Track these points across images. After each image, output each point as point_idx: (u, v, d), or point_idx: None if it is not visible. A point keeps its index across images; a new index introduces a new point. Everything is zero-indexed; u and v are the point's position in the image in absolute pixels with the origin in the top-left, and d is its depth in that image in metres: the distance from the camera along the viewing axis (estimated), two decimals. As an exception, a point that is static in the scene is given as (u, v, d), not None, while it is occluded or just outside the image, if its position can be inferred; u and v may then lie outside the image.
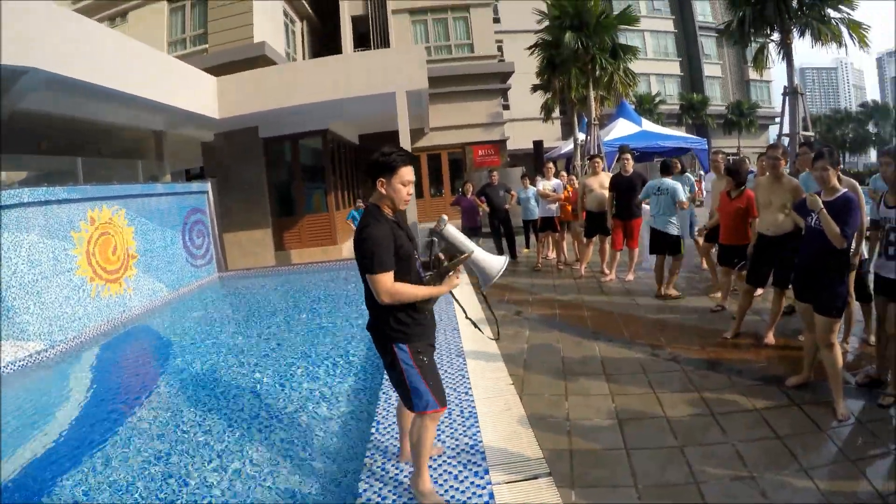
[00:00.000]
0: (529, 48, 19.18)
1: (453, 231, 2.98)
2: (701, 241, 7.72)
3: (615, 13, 17.84)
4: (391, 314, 2.80)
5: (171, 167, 13.02)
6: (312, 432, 4.32)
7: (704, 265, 8.10)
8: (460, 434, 3.66)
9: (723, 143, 42.48)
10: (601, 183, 8.41)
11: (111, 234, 8.87)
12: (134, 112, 10.80)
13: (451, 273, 2.89)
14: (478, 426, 3.74)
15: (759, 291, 6.08)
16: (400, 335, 2.82)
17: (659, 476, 3.13)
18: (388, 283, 2.66)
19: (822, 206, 3.70)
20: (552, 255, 10.48)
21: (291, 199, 15.82)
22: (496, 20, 26.04)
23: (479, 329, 3.44)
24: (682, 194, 7.18)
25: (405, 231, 2.88)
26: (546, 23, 18.15)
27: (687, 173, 8.58)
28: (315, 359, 6.16)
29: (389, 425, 3.81)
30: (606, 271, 8.48)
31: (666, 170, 7.48)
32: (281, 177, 15.80)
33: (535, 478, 3.09)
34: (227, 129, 14.08)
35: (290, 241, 15.65)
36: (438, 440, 3.59)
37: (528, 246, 11.70)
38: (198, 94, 11.82)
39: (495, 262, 3.07)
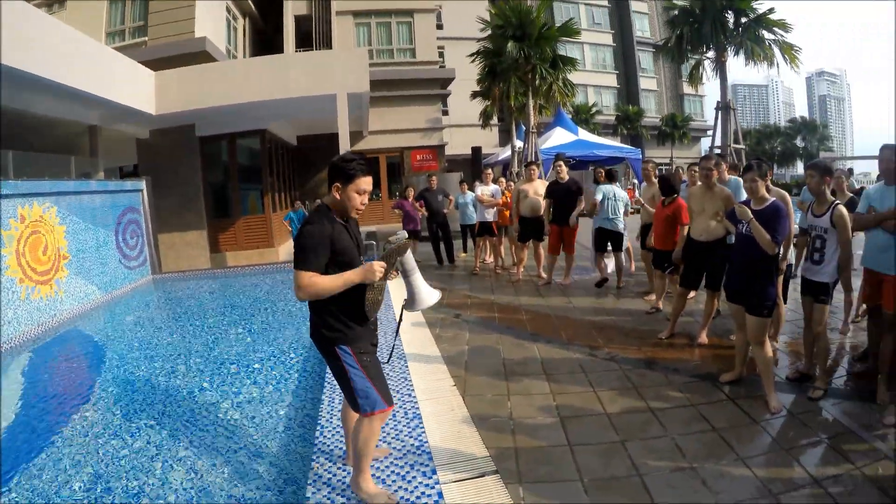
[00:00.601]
0: (471, 55, 19.53)
1: (410, 257, 2.98)
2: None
3: (557, 25, 18.50)
4: (333, 317, 2.83)
5: (105, 164, 12.61)
6: (253, 437, 4.23)
7: (633, 268, 8.62)
8: (405, 435, 3.75)
9: (656, 154, 44.40)
10: (535, 189, 8.71)
11: (42, 232, 8.52)
12: (69, 105, 10.46)
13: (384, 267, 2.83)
14: (423, 427, 3.85)
15: (692, 294, 6.49)
16: (341, 337, 2.84)
17: (603, 470, 3.30)
18: (304, 280, 2.65)
19: (752, 216, 3.99)
20: (490, 259, 10.76)
21: (227, 200, 15.58)
22: (439, 26, 26.26)
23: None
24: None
25: (352, 235, 2.91)
26: (489, 31, 18.54)
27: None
28: (253, 362, 6.11)
29: (334, 428, 3.84)
30: (543, 275, 8.81)
31: (612, 178, 8.58)
32: (217, 177, 15.55)
33: (483, 475, 3.22)
34: (163, 126, 13.74)
35: (225, 243, 15.40)
36: (384, 441, 3.64)
37: (465, 250, 11.94)
38: (135, 88, 11.50)
39: (430, 295, 3.05)
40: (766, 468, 3.24)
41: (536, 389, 4.59)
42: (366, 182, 2.84)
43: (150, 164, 14.37)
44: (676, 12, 22.70)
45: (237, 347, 6.89)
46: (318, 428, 3.94)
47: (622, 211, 8.09)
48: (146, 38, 15.33)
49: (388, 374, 4.81)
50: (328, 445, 3.66)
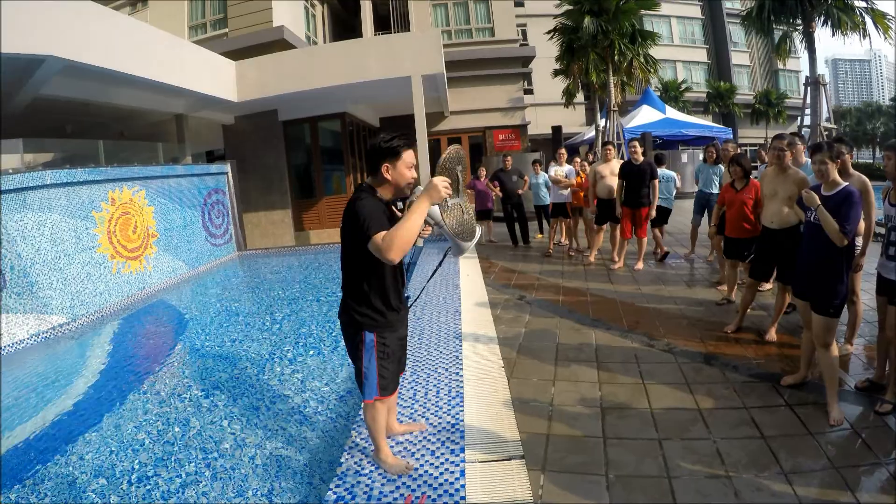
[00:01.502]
0: (548, 32, 19.02)
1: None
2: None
3: None
4: (366, 302, 2.87)
5: (193, 149, 13.25)
6: (310, 405, 4.57)
7: (711, 257, 8.17)
8: (444, 412, 3.79)
9: (750, 133, 41.63)
10: (612, 170, 8.41)
11: (131, 213, 9.14)
12: (154, 96, 11.04)
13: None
14: (462, 406, 3.86)
15: (766, 286, 6.07)
16: (370, 323, 2.88)
17: (632, 468, 3.13)
18: (384, 241, 2.54)
19: (820, 202, 3.59)
20: (564, 241, 10.52)
21: (311, 181, 16.00)
22: (519, 3, 25.78)
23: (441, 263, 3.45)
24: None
25: (392, 217, 2.88)
26: (565, 7, 17.95)
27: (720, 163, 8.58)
28: (324, 333, 6.39)
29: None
30: (616, 259, 8.52)
31: (660, 161, 9.13)
32: (300, 159, 15.99)
33: (509, 459, 3.18)
34: (247, 112, 14.32)
35: (309, 222, 15.87)
36: (423, 417, 3.75)
37: (541, 231, 11.74)
38: (217, 78, 12.01)
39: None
40: (810, 487, 2.88)
41: (584, 377, 4.45)
42: (411, 155, 2.85)
43: (237, 148, 15.07)
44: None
45: (311, 319, 7.22)
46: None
47: (672, 191, 9.06)
48: (226, 30, 16.03)
49: (441, 353, 4.94)
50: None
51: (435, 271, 3.55)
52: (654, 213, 8.15)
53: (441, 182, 2.60)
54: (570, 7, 17.41)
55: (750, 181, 5.80)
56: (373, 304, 2.88)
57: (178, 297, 9.36)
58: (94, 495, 3.52)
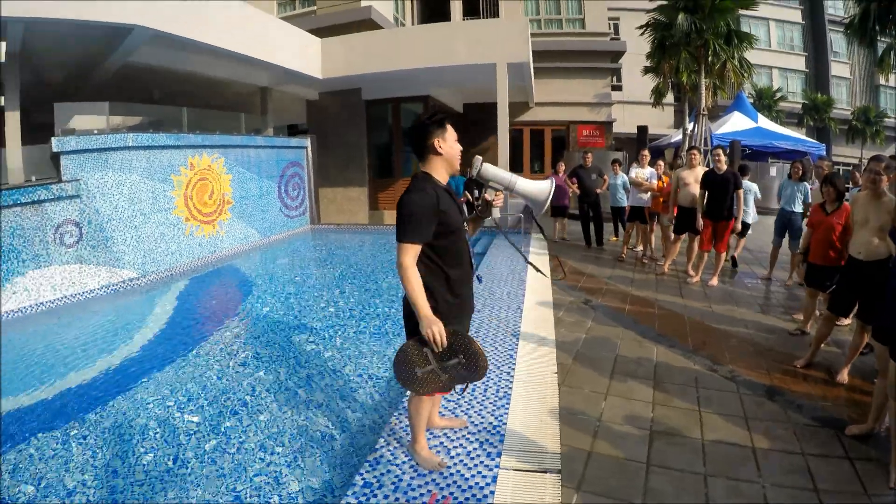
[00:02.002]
0: (640, 27, 18.23)
1: (491, 169, 2.90)
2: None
3: None
4: (428, 290, 2.66)
5: (275, 122, 13.57)
6: (357, 385, 4.66)
7: (790, 281, 7.61)
8: (488, 412, 3.67)
9: (845, 152, 38.57)
10: (697, 178, 7.92)
11: (209, 179, 9.43)
12: (240, 68, 11.33)
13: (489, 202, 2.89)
14: (507, 408, 3.72)
15: (844, 321, 5.53)
16: (440, 313, 2.67)
17: (670, 500, 2.91)
18: (408, 258, 2.54)
19: None
20: (639, 247, 10.09)
21: (390, 162, 16.11)
22: (613, -5, 24.98)
23: (539, 270, 3.21)
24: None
25: (456, 203, 2.80)
26: (659, 2, 17.14)
27: (806, 181, 8.00)
28: (387, 319, 6.40)
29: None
30: (691, 273, 8.06)
31: (744, 172, 8.94)
32: (381, 139, 16.10)
33: (544, 472, 3.02)
34: (331, 88, 14.51)
35: (385, 202, 15.99)
36: (465, 414, 3.65)
37: (616, 234, 11.29)
38: (302, 55, 12.22)
39: (541, 186, 2.93)
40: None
41: (638, 395, 4.19)
42: (453, 130, 2.78)
43: (319, 124, 15.32)
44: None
45: (374, 298, 7.31)
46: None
47: (750, 203, 8.87)
48: (314, 8, 16.31)
49: (496, 349, 4.83)
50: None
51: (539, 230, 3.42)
52: (738, 227, 7.64)
53: (439, 333, 2.51)
54: (664, 2, 16.56)
55: (842, 205, 5.28)
56: (436, 292, 2.71)
57: (247, 263, 9.63)
58: (137, 440, 3.75)
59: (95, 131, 7.65)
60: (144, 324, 6.44)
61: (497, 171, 2.89)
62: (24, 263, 6.89)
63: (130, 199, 7.88)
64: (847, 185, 5.75)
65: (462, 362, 2.62)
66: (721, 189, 7.40)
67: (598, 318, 6.07)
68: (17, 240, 6.81)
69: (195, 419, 4.10)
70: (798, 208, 7.82)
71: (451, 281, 2.73)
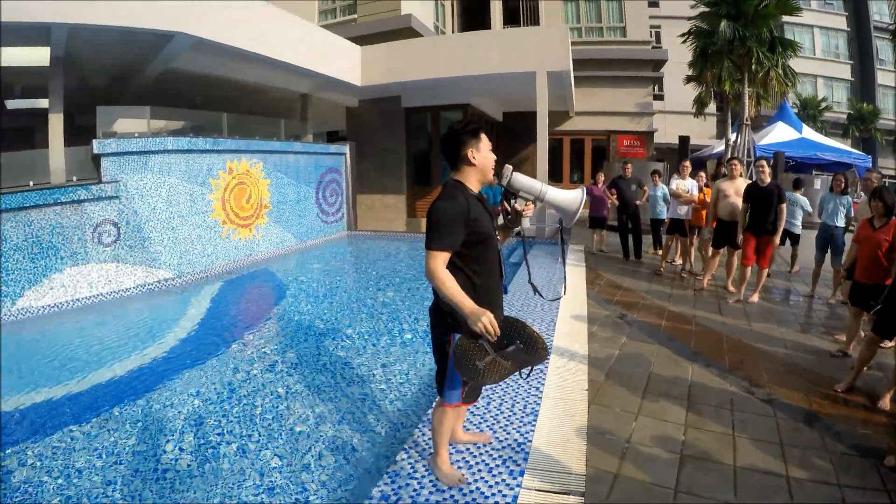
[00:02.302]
0: (682, 35, 17.82)
1: (520, 178, 2.83)
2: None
3: (775, 1, 15.89)
4: None
5: (315, 128, 13.72)
6: (383, 394, 4.62)
7: (833, 299, 7.29)
8: (514, 429, 3.57)
9: (890, 164, 37.05)
10: (737, 190, 7.64)
11: (247, 184, 9.56)
12: (280, 75, 11.47)
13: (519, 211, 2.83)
14: (533, 425, 3.62)
15: (889, 344, 5.24)
16: (464, 325, 2.58)
17: None
18: (437, 263, 2.50)
19: None
20: (678, 260, 9.81)
21: (428, 170, 16.08)
22: (654, 4, 24.61)
23: (539, 294, 3.08)
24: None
25: (488, 211, 2.73)
26: (701, 9, 16.71)
27: (848, 194, 7.71)
28: (418, 328, 6.35)
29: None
30: (731, 289, 7.79)
31: (798, 186, 9.29)
32: (420, 147, 16.11)
33: (567, 493, 2.91)
34: (371, 96, 14.61)
35: (422, 210, 15.96)
36: (490, 429, 3.56)
37: (655, 247, 10.99)
38: (342, 62, 12.33)
39: (572, 196, 2.86)
40: None
41: (671, 416, 4.01)
42: (487, 139, 2.74)
43: (358, 131, 15.43)
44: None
45: (407, 307, 7.28)
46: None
47: (800, 215, 9.11)
48: (355, 16, 16.44)
49: None
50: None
51: (563, 250, 3.32)
52: (777, 241, 7.34)
53: (489, 324, 2.39)
54: (707, 9, 16.14)
55: (891, 220, 5.04)
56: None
57: (283, 267, 9.71)
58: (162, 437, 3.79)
59: (136, 134, 7.85)
60: (176, 324, 6.53)
61: (527, 181, 2.82)
62: (62, 260, 7.10)
63: (168, 202, 8.05)
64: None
65: (521, 347, 2.59)
66: (765, 202, 7.12)
67: (633, 334, 5.91)
68: (56, 237, 7.03)
69: (217, 422, 4.12)
70: (840, 223, 7.60)
71: (478, 289, 2.65)
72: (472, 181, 2.71)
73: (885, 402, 4.22)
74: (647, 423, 3.86)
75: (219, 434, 3.92)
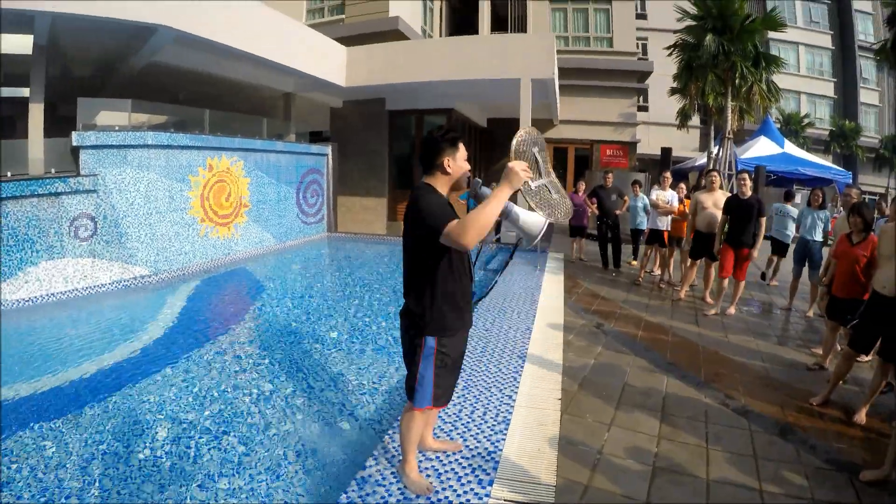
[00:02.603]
0: (668, 48, 17.95)
1: (488, 192, 2.73)
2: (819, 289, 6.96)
3: (761, 17, 16.12)
4: (428, 304, 2.70)
5: (298, 128, 13.61)
6: (355, 399, 4.56)
7: (810, 312, 7.39)
8: (484, 437, 3.56)
9: (872, 181, 37.67)
10: (715, 202, 7.72)
11: (227, 181, 9.46)
12: (264, 73, 11.41)
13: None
14: (505, 434, 3.60)
15: (865, 358, 5.31)
16: (433, 327, 2.72)
17: None
18: (455, 228, 2.40)
19: None
20: (657, 271, 9.88)
21: (411, 173, 16.05)
22: (642, 16, 24.80)
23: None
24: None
25: (457, 217, 2.70)
26: (687, 22, 16.85)
27: (825, 209, 7.84)
28: (391, 332, 6.29)
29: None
30: (709, 300, 7.85)
31: (789, 198, 9.22)
32: (403, 149, 16.09)
33: (537, 504, 2.89)
34: (355, 97, 14.57)
35: (402, 214, 15.92)
36: (461, 437, 3.54)
37: (635, 257, 11.03)
38: (326, 62, 12.28)
39: (537, 220, 2.85)
40: None
41: (644, 427, 4.01)
42: (464, 148, 2.78)
43: (342, 132, 15.38)
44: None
45: (382, 311, 7.21)
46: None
47: (791, 227, 9.12)
48: (343, 17, 16.38)
49: (500, 371, 4.72)
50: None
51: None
52: (755, 255, 7.40)
53: (519, 165, 2.46)
54: (693, 23, 16.28)
55: (869, 236, 5.11)
56: (436, 305, 2.71)
57: (260, 267, 9.63)
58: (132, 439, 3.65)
59: (117, 128, 7.72)
60: (150, 322, 6.43)
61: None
62: (37, 254, 6.96)
63: (147, 197, 7.94)
64: (874, 216, 5.55)
65: (552, 181, 2.79)
66: (745, 215, 7.18)
67: (609, 344, 5.91)
68: (32, 230, 6.89)
69: (184, 423, 4.06)
70: (818, 237, 7.71)
71: (447, 293, 2.71)
72: (443, 187, 2.75)
73: (861, 416, 4.26)
74: (619, 434, 3.85)
75: (184, 436, 3.85)
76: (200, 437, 3.83)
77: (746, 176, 7.40)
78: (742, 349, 6.00)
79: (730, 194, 7.59)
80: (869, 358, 5.34)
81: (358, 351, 5.67)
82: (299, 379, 4.91)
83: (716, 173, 8.11)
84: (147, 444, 3.71)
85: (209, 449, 3.68)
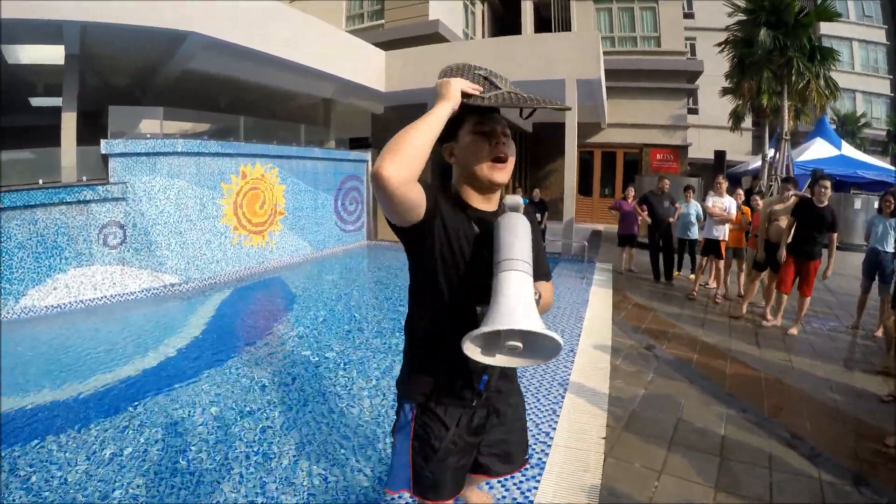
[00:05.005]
0: (719, 44, 16.99)
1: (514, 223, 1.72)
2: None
3: (815, 8, 14.97)
4: (409, 354, 1.90)
5: (338, 134, 13.49)
6: (379, 431, 4.10)
7: (879, 332, 6.66)
8: (514, 485, 3.13)
9: None
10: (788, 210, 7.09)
11: (261, 189, 9.31)
12: (302, 79, 11.23)
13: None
14: (538, 482, 3.17)
15: None
16: (412, 389, 1.85)
17: None
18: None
19: None
20: (712, 283, 9.20)
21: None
22: (689, 15, 23.91)
23: None
24: None
25: (481, 227, 1.77)
26: (738, 16, 15.84)
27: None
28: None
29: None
30: (769, 317, 7.22)
31: None
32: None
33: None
34: (396, 102, 14.30)
35: (447, 221, 15.62)
36: (490, 488, 3.09)
37: (680, 269, 10.28)
38: (365, 67, 12.07)
39: (509, 314, 1.45)
40: None
41: (699, 475, 3.47)
42: (484, 119, 1.77)
43: (383, 138, 15.03)
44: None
45: None
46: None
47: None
48: (383, 21, 16.14)
49: (538, 401, 4.30)
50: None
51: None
52: (829, 273, 6.74)
53: (456, 80, 1.64)
54: (745, 17, 15.29)
55: None
56: (416, 360, 1.86)
57: (295, 276, 9.41)
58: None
59: (148, 135, 7.70)
60: (179, 331, 6.31)
61: (513, 223, 1.71)
62: (66, 261, 7.03)
63: (177, 205, 7.93)
64: None
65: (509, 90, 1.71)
66: (815, 224, 6.56)
67: (661, 370, 5.37)
68: (61, 237, 6.97)
69: (205, 435, 3.91)
70: (890, 248, 6.90)
71: (429, 341, 1.85)
72: (465, 192, 2.23)
73: None
74: (671, 486, 3.34)
75: (204, 447, 3.71)
76: (216, 449, 3.69)
77: (828, 182, 6.73)
78: (807, 376, 5.38)
79: (804, 196, 6.94)
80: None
81: (388, 368, 5.33)
82: (320, 403, 4.56)
83: (791, 184, 7.39)
84: (166, 454, 3.62)
85: (225, 462, 3.54)
